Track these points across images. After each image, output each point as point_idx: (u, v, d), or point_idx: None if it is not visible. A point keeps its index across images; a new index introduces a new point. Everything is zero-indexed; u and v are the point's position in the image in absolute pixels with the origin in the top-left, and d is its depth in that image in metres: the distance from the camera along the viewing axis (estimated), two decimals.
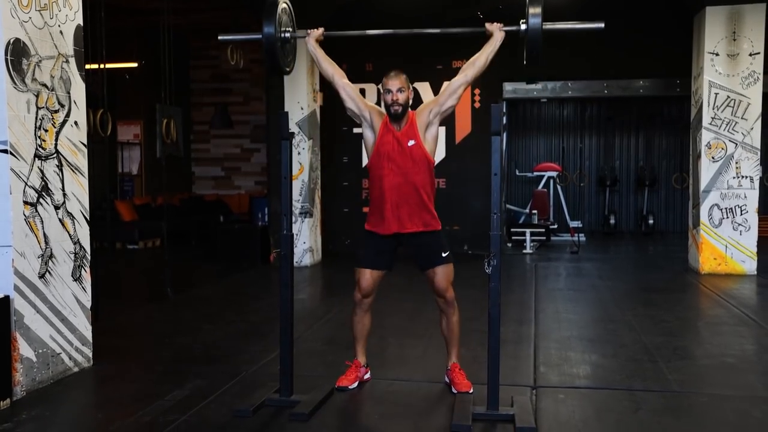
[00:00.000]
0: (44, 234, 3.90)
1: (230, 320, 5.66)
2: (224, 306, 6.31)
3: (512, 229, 10.44)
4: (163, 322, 5.71)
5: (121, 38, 10.07)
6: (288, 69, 3.95)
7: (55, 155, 4.00)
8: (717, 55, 7.64)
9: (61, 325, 4.01)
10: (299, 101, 8.51)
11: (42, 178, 3.89)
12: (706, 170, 7.77)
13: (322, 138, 9.10)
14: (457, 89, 3.70)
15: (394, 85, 3.66)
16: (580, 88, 10.15)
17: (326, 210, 9.44)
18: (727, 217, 7.76)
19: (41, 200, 3.88)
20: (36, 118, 3.84)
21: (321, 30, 3.83)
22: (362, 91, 9.05)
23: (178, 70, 7.97)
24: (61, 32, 4.05)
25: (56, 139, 4.02)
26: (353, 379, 3.86)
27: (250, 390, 3.77)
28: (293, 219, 3.94)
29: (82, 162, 4.26)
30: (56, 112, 4.01)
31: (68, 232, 4.11)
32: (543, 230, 10.44)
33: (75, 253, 4.17)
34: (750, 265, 7.72)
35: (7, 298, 3.62)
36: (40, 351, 3.84)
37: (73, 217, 4.15)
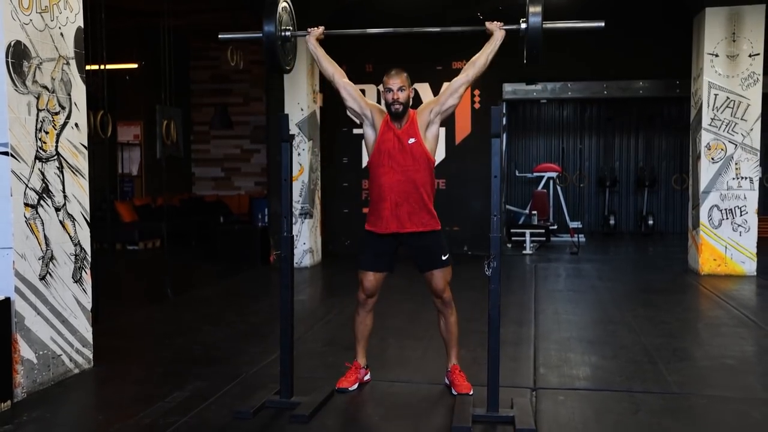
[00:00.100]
0: (45, 236, 3.90)
1: (230, 321, 5.67)
2: (224, 307, 6.31)
3: (512, 230, 10.44)
4: (163, 323, 5.72)
5: (121, 39, 10.07)
6: (288, 68, 3.96)
7: (55, 157, 4.01)
8: (717, 56, 7.64)
9: (61, 326, 4.01)
10: (299, 102, 8.51)
11: (43, 180, 3.89)
12: (706, 171, 7.78)
13: (322, 139, 9.11)
14: (458, 89, 3.70)
15: (395, 84, 3.67)
16: (579, 89, 10.16)
17: (326, 211, 9.44)
18: (727, 218, 7.77)
19: (42, 202, 3.88)
20: (37, 120, 3.84)
21: (321, 29, 3.83)
22: (362, 92, 9.02)
23: (178, 70, 7.98)
24: (61, 34, 4.06)
25: (57, 141, 4.02)
26: (353, 380, 3.86)
27: (251, 391, 3.77)
28: (293, 220, 3.94)
29: (83, 164, 4.26)
30: (57, 114, 4.02)
31: (69, 234, 4.12)
32: (543, 231, 10.44)
33: (75, 255, 4.17)
34: (750, 266, 7.72)
35: (7, 299, 3.63)
36: (41, 353, 3.85)
37: (73, 218, 4.16)
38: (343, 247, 9.62)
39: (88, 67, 4.44)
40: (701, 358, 4.61)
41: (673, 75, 9.46)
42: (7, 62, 3.61)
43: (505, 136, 10.42)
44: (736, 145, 7.68)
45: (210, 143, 13.34)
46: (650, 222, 12.22)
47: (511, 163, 12.57)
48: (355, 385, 3.86)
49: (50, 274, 3.94)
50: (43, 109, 3.90)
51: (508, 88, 9.93)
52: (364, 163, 9.29)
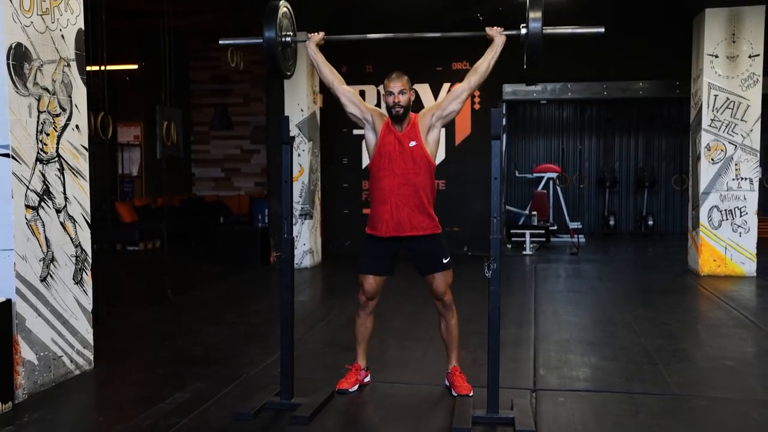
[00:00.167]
0: (46, 237, 3.91)
1: (230, 322, 5.67)
2: (224, 308, 6.32)
3: (512, 231, 10.44)
4: (163, 324, 5.72)
5: (121, 40, 10.07)
6: (289, 73, 3.96)
7: (56, 159, 4.01)
8: (716, 57, 7.65)
9: (62, 328, 4.02)
10: (299, 103, 8.52)
11: (43, 181, 3.90)
12: (706, 172, 7.78)
13: (322, 140, 9.11)
14: (460, 95, 3.71)
15: (396, 87, 3.67)
16: (579, 89, 10.16)
17: (326, 211, 9.45)
18: (727, 219, 7.77)
19: (43, 204, 3.89)
20: (38, 122, 3.85)
21: (321, 34, 3.84)
22: (362, 93, 9.05)
23: (178, 71, 7.98)
24: (62, 36, 4.06)
25: (58, 143, 4.03)
26: (353, 382, 3.87)
27: (251, 393, 3.78)
28: (293, 221, 3.95)
29: (84, 165, 4.27)
30: (58, 115, 4.03)
31: (69, 236, 4.12)
32: (543, 231, 10.45)
33: (76, 257, 4.18)
34: (749, 267, 7.73)
35: (8, 301, 3.63)
36: (42, 354, 3.85)
37: (74, 220, 4.17)
38: (343, 247, 9.63)
39: (88, 69, 4.44)
40: (701, 360, 4.62)
41: (673, 76, 9.46)
42: (8, 64, 3.62)
43: (505, 136, 10.42)
44: (736, 146, 7.69)
45: (210, 144, 13.35)
46: (650, 223, 12.23)
47: (511, 163, 12.58)
48: (356, 387, 3.87)
49: (51, 276, 3.94)
50: (44, 111, 3.90)
51: (508, 88, 9.93)
52: (364, 164, 9.30)
